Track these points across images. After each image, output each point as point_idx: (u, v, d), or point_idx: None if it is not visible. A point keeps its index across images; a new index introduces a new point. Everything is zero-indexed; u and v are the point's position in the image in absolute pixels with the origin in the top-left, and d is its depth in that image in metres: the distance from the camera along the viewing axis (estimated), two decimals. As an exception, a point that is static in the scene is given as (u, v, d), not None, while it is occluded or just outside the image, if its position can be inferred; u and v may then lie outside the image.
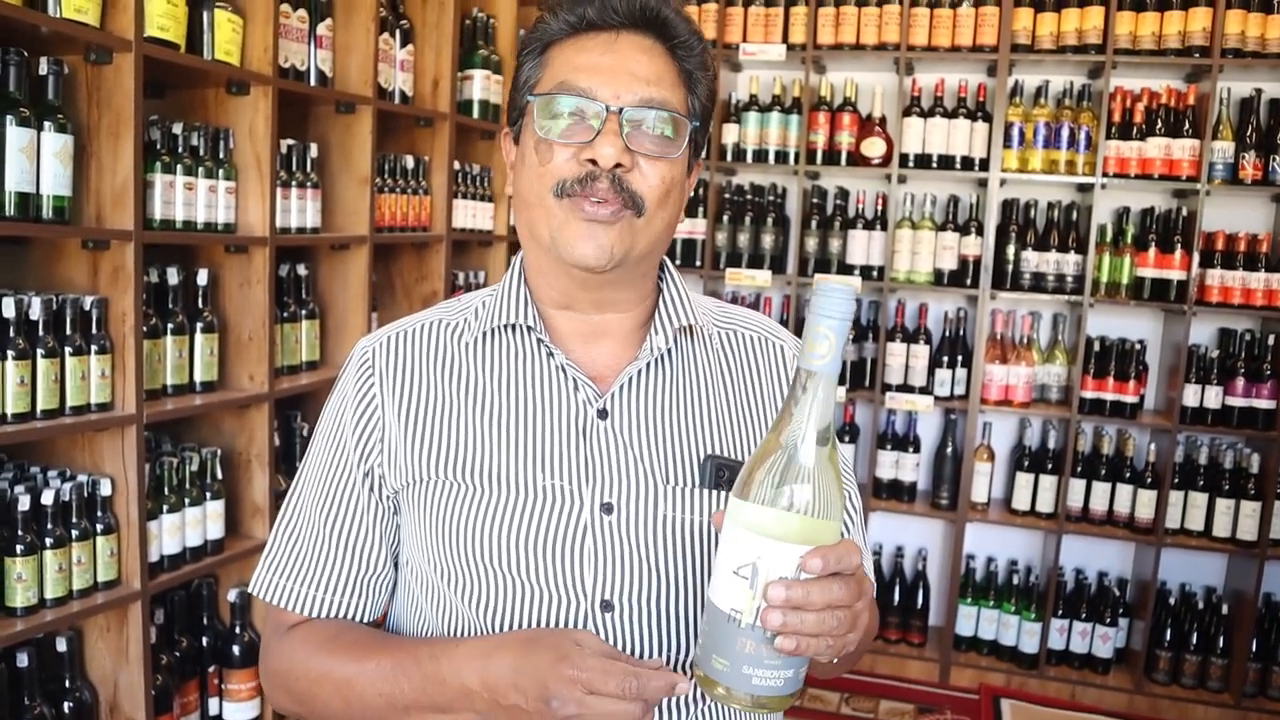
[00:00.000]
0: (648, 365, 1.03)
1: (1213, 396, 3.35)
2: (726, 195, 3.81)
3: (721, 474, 0.99)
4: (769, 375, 1.09)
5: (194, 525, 2.33)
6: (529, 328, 1.03)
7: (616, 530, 0.97)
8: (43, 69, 1.93)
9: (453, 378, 1.03)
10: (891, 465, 3.70)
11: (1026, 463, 3.59)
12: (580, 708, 0.84)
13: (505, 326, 1.04)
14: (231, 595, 2.49)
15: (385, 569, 1.07)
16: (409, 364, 1.05)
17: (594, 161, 0.94)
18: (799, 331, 0.86)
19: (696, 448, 1.01)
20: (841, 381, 3.63)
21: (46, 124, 1.89)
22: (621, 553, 0.97)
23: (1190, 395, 3.36)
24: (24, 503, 1.93)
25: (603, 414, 1.00)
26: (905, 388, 3.61)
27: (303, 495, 1.08)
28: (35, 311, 1.94)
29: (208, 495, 2.37)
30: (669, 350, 1.04)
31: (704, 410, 1.03)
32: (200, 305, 2.37)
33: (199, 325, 2.34)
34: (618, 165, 0.94)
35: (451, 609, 1.01)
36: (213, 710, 2.46)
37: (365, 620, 1.08)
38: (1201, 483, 3.41)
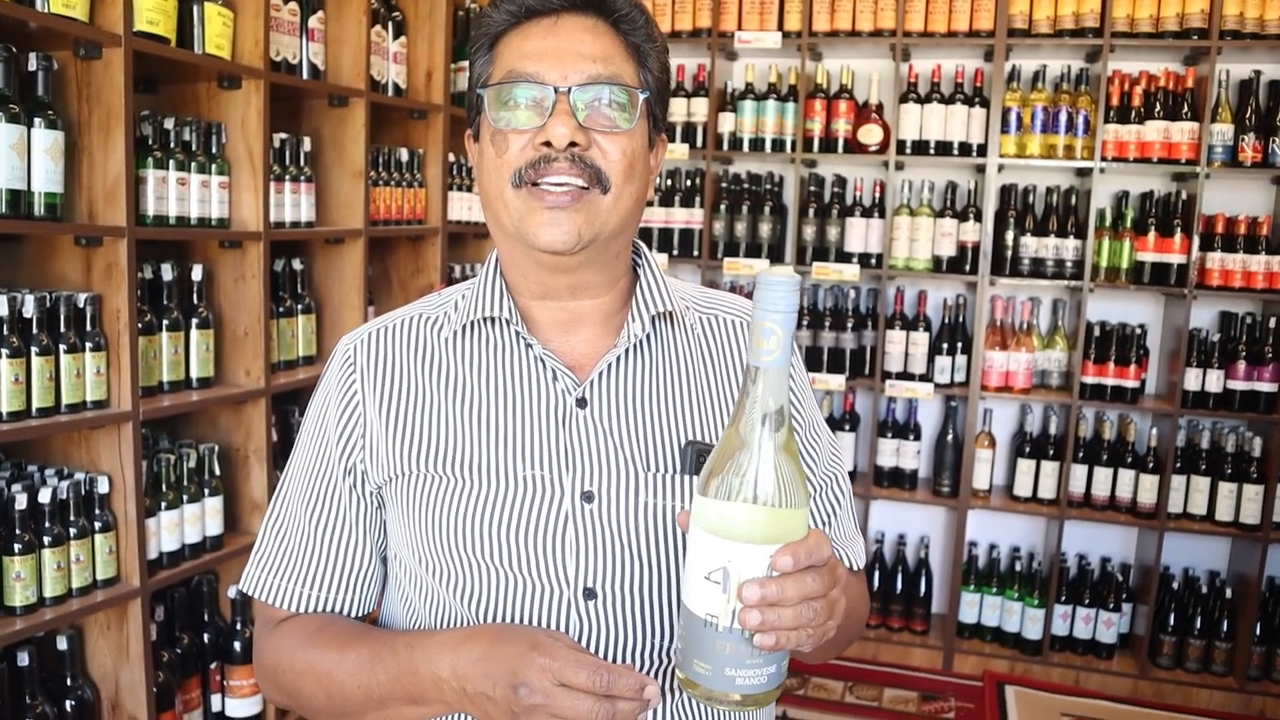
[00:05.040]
0: (625, 352, 1.02)
1: (1214, 380, 3.34)
2: (723, 184, 3.79)
3: (701, 459, 0.99)
4: None
5: (193, 522, 2.33)
6: (506, 320, 1.02)
7: (597, 518, 0.97)
8: (32, 65, 1.92)
9: (433, 372, 1.03)
10: (892, 453, 3.69)
11: (1028, 449, 3.58)
12: (547, 698, 0.83)
13: (484, 319, 1.04)
14: (232, 591, 2.49)
15: (372, 565, 1.08)
16: (390, 359, 1.05)
17: (549, 144, 0.94)
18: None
19: (676, 434, 1.01)
20: (841, 370, 3.62)
21: (37, 120, 1.89)
22: (603, 540, 0.97)
23: (1191, 379, 3.35)
24: (21, 501, 1.92)
25: (581, 402, 1.00)
26: (905, 375, 3.60)
27: (289, 492, 1.09)
28: (29, 309, 1.93)
29: (206, 492, 2.37)
30: (647, 337, 1.04)
31: (684, 396, 1.03)
32: (195, 301, 2.36)
33: (194, 321, 2.33)
34: (573, 144, 0.94)
35: (439, 601, 1.01)
36: (215, 707, 2.46)
37: (356, 615, 1.08)
38: (1204, 467, 3.40)
